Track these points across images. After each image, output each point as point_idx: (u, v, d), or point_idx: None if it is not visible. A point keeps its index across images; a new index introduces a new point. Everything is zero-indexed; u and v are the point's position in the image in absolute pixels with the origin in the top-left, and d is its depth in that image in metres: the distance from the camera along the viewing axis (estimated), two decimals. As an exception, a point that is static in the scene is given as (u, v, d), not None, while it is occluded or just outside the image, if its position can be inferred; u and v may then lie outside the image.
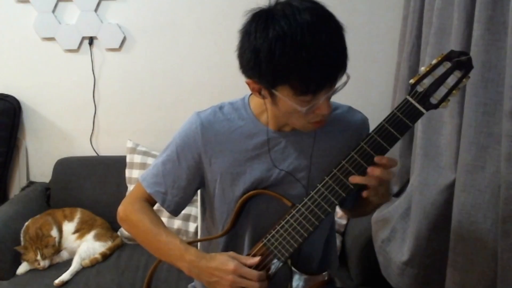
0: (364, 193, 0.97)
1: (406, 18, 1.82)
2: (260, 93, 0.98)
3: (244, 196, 1.08)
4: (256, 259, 1.03)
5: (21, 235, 1.88)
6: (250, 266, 1.02)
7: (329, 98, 0.94)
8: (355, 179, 0.96)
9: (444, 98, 0.96)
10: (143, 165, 2.08)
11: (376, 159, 0.95)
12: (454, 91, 0.95)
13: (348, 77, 0.94)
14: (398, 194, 1.76)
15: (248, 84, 0.99)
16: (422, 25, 1.65)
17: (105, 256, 1.89)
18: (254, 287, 0.98)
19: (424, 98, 0.96)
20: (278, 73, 0.89)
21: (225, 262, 0.99)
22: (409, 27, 1.76)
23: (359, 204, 1.19)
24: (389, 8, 2.10)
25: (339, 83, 0.94)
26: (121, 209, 1.15)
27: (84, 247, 1.88)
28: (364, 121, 1.17)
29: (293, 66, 0.87)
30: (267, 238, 1.05)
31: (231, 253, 1.03)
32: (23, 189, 2.22)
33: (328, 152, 1.10)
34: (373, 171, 0.95)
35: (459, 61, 0.94)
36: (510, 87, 1.08)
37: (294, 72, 0.88)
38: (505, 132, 1.10)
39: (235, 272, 0.98)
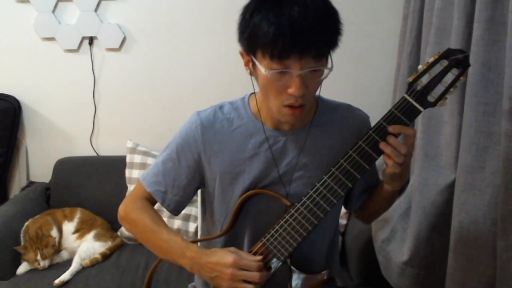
0: (388, 169, 0.98)
1: (406, 18, 1.82)
2: (249, 67, 1.01)
3: (243, 196, 1.08)
4: (258, 257, 1.02)
5: (21, 235, 1.88)
6: None
7: (303, 79, 0.93)
8: (385, 147, 0.95)
9: (442, 96, 0.96)
10: (143, 165, 2.07)
11: (391, 128, 0.95)
12: (451, 89, 0.96)
13: (331, 67, 0.96)
14: (398, 194, 1.76)
15: (241, 55, 1.02)
16: (422, 25, 1.65)
17: (105, 256, 1.89)
18: (255, 278, 0.98)
19: (422, 96, 0.96)
20: (250, 33, 0.93)
21: (224, 256, 0.99)
22: (409, 27, 1.76)
23: (368, 202, 1.19)
24: (389, 8, 2.10)
25: (324, 73, 0.95)
26: (122, 208, 1.15)
27: (84, 247, 1.88)
28: (364, 119, 1.17)
29: (262, 28, 0.90)
30: (266, 238, 1.05)
31: (232, 248, 1.04)
32: (23, 189, 2.22)
33: (327, 150, 1.10)
34: (400, 147, 0.95)
35: (456, 59, 0.94)
36: (510, 87, 1.07)
37: (261, 33, 0.90)
38: (505, 132, 1.09)
39: (234, 265, 0.98)
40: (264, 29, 0.90)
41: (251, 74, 1.03)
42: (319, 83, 0.99)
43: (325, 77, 0.97)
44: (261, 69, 0.94)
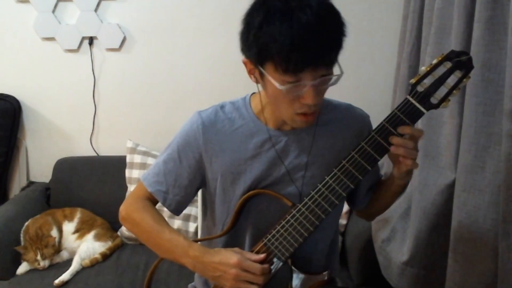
0: (403, 167, 0.98)
1: (406, 18, 1.82)
2: (254, 75, 1.00)
3: (245, 196, 1.08)
4: (261, 255, 1.02)
5: (21, 235, 1.88)
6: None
7: (316, 88, 0.94)
8: (397, 149, 0.96)
9: (445, 98, 0.96)
10: (143, 165, 2.07)
11: (399, 129, 0.96)
12: (454, 91, 0.96)
13: (342, 72, 0.95)
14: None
15: (244, 64, 1.01)
16: (422, 25, 1.65)
17: (105, 256, 1.89)
18: (257, 281, 0.98)
19: (425, 98, 0.96)
20: (262, 46, 0.91)
21: (228, 256, 1.00)
22: (409, 27, 1.76)
23: (375, 199, 1.19)
24: (389, 8, 2.10)
25: (333, 79, 0.95)
26: (123, 208, 1.15)
27: (84, 247, 1.88)
28: (365, 118, 1.17)
29: (275, 41, 0.89)
30: (268, 238, 1.05)
31: (236, 249, 1.04)
32: (23, 189, 2.22)
33: (329, 150, 1.10)
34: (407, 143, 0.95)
35: (460, 61, 0.95)
36: (510, 87, 1.08)
37: (275, 46, 0.89)
38: (505, 132, 1.10)
39: (238, 266, 0.98)
40: (277, 43, 0.88)
41: (256, 82, 1.02)
42: (327, 88, 0.99)
43: (336, 83, 0.96)
44: (274, 83, 0.93)
